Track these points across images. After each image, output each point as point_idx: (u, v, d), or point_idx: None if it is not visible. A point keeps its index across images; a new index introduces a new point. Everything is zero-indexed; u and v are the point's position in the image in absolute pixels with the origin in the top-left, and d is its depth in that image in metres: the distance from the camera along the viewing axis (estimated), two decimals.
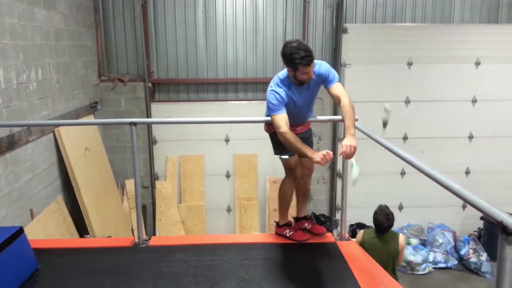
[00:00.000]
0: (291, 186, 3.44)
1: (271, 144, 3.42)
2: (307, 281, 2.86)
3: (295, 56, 2.91)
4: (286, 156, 3.29)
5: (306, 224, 3.61)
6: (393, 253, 4.25)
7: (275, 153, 3.39)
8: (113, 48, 6.97)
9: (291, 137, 2.97)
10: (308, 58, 2.92)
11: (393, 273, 4.24)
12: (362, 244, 4.31)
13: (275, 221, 3.64)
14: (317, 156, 2.81)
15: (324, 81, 3.15)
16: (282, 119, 3.00)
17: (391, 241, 4.28)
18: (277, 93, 3.04)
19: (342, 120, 3.05)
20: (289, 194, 3.48)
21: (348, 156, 2.86)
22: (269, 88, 3.12)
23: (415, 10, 7.12)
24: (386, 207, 4.43)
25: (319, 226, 3.67)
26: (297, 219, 3.66)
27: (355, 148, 2.84)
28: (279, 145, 3.21)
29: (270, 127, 3.25)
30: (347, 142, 2.86)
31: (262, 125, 3.45)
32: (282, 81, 3.10)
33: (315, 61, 3.06)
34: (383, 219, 4.27)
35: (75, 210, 5.46)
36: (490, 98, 7.24)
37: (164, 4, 6.89)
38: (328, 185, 7.56)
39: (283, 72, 3.14)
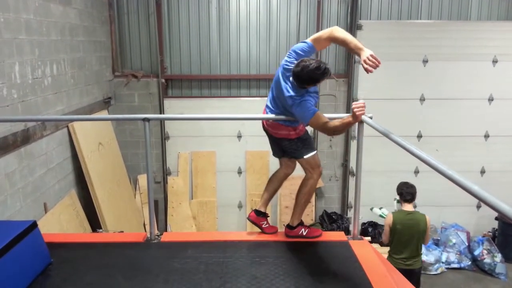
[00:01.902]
0: (316, 184, 3.43)
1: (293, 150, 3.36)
2: (318, 280, 2.84)
3: (318, 76, 2.97)
4: (315, 151, 3.33)
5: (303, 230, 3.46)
6: (422, 232, 4.59)
7: (301, 156, 3.30)
8: (127, 44, 7.01)
9: (333, 122, 3.08)
10: (327, 69, 2.98)
11: (420, 250, 4.69)
12: (394, 225, 4.61)
13: (284, 225, 3.56)
14: (354, 115, 2.98)
15: (310, 53, 3.17)
16: (322, 114, 3.09)
17: (420, 221, 4.59)
18: (305, 99, 3.07)
19: (345, 46, 3.08)
20: (313, 192, 3.46)
21: (373, 64, 2.86)
22: (293, 102, 3.08)
23: (431, 7, 7.00)
24: None
25: (314, 229, 3.53)
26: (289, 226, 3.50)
27: (372, 55, 2.87)
28: (305, 143, 3.29)
29: (300, 129, 3.25)
30: (364, 55, 2.87)
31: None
32: (298, 92, 3.10)
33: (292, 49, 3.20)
34: (404, 186, 4.66)
35: (88, 204, 5.51)
36: (507, 96, 7.12)
37: (178, 1, 6.89)
38: (340, 182, 7.51)
39: (290, 87, 3.11)
